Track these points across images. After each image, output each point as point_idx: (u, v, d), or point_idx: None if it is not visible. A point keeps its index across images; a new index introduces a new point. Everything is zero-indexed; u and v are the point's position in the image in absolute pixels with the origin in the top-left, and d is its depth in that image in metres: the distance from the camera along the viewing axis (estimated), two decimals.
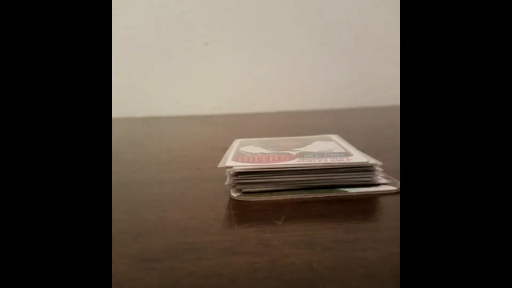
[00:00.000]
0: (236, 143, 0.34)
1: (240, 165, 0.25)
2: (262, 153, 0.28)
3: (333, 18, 0.75)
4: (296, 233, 0.19)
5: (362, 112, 0.69)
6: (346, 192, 0.24)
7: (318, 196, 0.24)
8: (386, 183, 0.25)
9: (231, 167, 0.25)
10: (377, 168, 0.25)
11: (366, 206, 0.22)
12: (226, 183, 0.25)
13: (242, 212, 0.22)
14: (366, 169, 0.25)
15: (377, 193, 0.24)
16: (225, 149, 0.32)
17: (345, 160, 0.25)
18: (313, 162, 0.25)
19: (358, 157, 0.26)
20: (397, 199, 0.23)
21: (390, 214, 0.21)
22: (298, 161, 0.25)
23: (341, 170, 0.25)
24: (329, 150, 0.28)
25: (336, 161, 0.25)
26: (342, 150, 0.28)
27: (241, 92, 0.77)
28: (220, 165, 0.26)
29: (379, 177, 0.25)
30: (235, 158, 0.27)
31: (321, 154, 0.27)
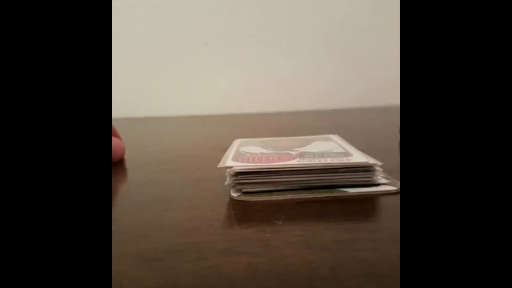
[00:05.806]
0: (236, 143, 0.34)
1: (240, 165, 0.25)
2: (262, 153, 0.28)
3: (333, 18, 0.75)
4: (296, 233, 0.19)
5: (362, 112, 0.69)
6: (346, 192, 0.24)
7: (318, 196, 0.24)
8: (386, 183, 0.25)
9: (231, 167, 0.25)
10: (377, 168, 0.25)
11: (366, 206, 0.22)
12: (226, 183, 0.25)
13: (242, 212, 0.22)
14: (366, 169, 0.25)
15: (377, 193, 0.24)
16: (225, 149, 0.32)
17: (345, 160, 0.25)
18: (313, 162, 0.25)
19: (358, 157, 0.26)
20: (397, 199, 0.23)
21: (390, 214, 0.21)
22: (298, 161, 0.25)
23: (341, 170, 0.25)
24: (329, 150, 0.28)
25: (336, 161, 0.25)
26: (342, 150, 0.28)
27: (241, 92, 0.77)
28: (220, 165, 0.26)
29: (379, 177, 0.25)
30: (235, 158, 0.27)
31: (321, 154, 0.27)
